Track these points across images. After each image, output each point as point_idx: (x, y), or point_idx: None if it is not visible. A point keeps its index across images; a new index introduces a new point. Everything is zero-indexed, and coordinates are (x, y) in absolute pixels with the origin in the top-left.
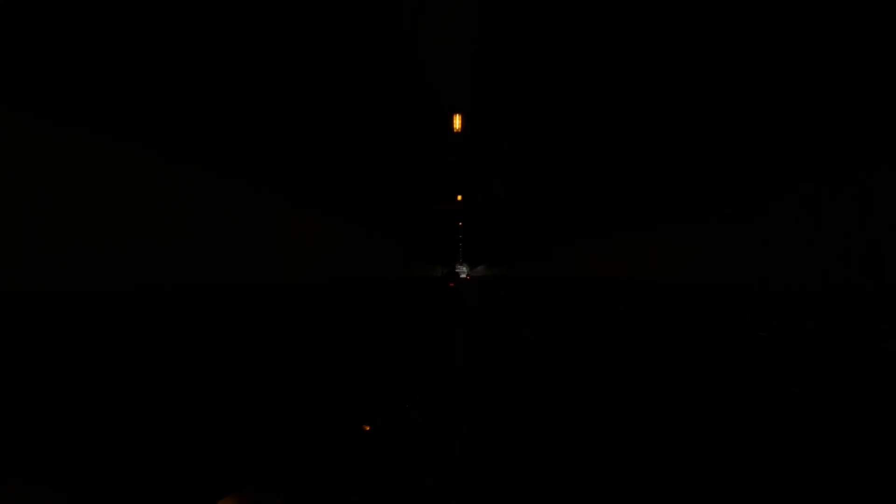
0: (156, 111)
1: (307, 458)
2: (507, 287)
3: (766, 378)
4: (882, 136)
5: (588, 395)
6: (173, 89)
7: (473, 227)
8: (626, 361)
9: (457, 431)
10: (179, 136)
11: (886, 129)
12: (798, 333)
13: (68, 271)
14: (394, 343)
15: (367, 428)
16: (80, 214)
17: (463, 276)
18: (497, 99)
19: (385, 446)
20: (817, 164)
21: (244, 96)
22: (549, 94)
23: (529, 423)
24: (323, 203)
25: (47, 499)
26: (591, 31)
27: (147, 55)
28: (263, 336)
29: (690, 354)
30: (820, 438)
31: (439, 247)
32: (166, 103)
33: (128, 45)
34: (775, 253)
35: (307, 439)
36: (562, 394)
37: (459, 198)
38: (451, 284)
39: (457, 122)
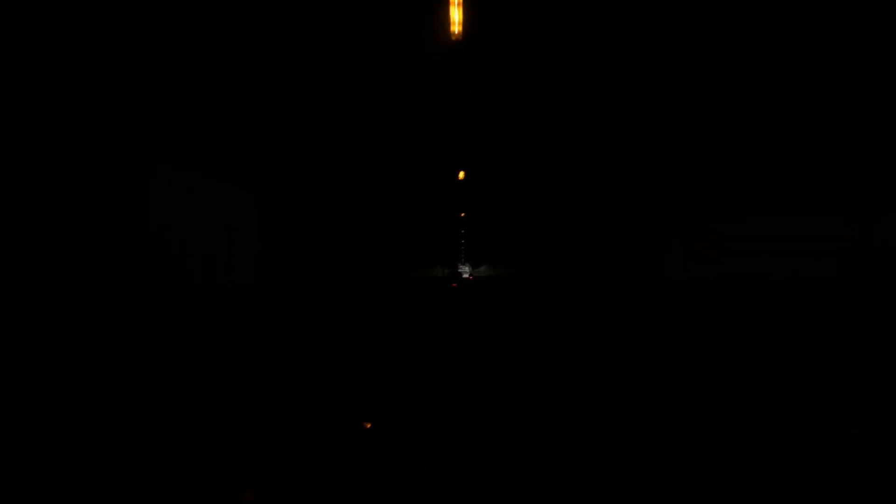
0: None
1: (307, 458)
2: (508, 287)
3: (766, 378)
4: (883, 135)
5: (588, 394)
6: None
7: (476, 226)
8: (626, 361)
9: (457, 431)
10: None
11: (887, 129)
12: (798, 333)
13: (70, 269)
14: (394, 344)
15: (368, 425)
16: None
17: (465, 276)
18: (497, 100)
19: (385, 446)
20: (817, 163)
21: (260, 103)
22: (548, 95)
23: (529, 423)
24: (320, 203)
25: (50, 499)
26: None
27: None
28: (263, 337)
29: (690, 354)
30: (820, 438)
31: (441, 247)
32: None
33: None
34: (775, 253)
35: (307, 440)
36: (562, 394)
37: (462, 214)
38: (454, 285)
39: (460, 175)
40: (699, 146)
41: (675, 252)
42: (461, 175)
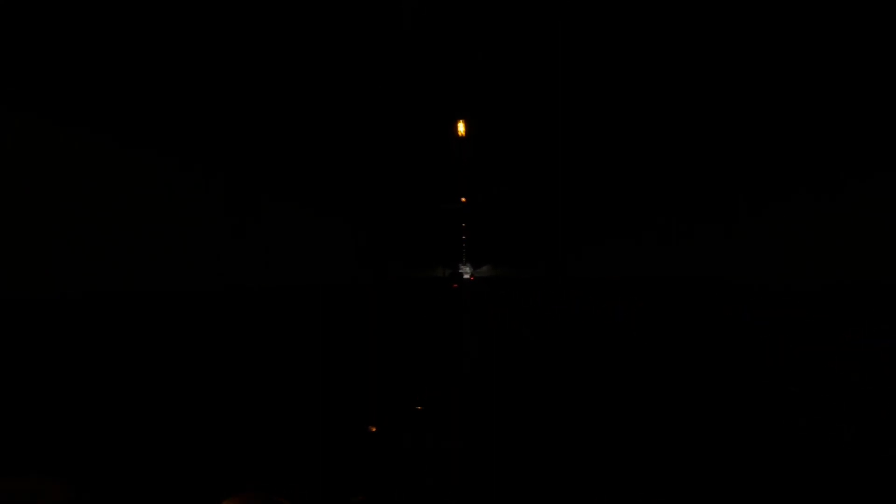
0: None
1: (308, 458)
2: (509, 287)
3: (766, 378)
4: (880, 142)
5: (588, 394)
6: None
7: (477, 226)
8: (626, 361)
9: (457, 431)
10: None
11: (884, 136)
12: (798, 333)
13: (75, 274)
14: (395, 343)
15: (374, 429)
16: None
17: (466, 276)
18: (501, 103)
19: (386, 446)
20: (818, 168)
21: (263, 108)
22: (548, 96)
23: (529, 423)
24: (315, 202)
25: (56, 492)
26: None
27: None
28: (264, 337)
29: (690, 354)
30: (820, 439)
31: (442, 247)
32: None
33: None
34: (775, 253)
35: (308, 440)
36: (562, 394)
37: (464, 199)
38: (455, 286)
39: (461, 127)
40: (700, 146)
41: (675, 252)
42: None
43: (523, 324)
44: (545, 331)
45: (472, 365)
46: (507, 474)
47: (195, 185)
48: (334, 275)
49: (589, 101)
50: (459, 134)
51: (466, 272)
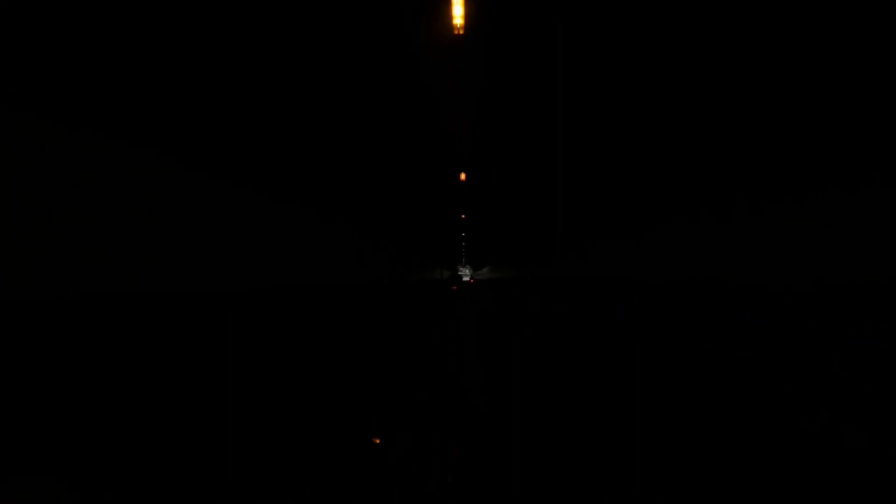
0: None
1: (308, 459)
2: (510, 287)
3: (766, 378)
4: (880, 141)
5: (588, 394)
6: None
7: (478, 227)
8: (626, 361)
9: (457, 431)
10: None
11: (885, 134)
12: (798, 333)
13: (69, 270)
14: (395, 343)
15: (378, 441)
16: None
17: (466, 279)
18: (503, 104)
19: (385, 447)
20: (819, 167)
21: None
22: (548, 95)
23: (529, 423)
24: (315, 203)
25: (50, 495)
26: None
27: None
28: (264, 337)
29: (690, 354)
30: (819, 439)
31: (441, 248)
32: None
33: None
34: (775, 253)
35: (308, 440)
36: (562, 394)
37: (463, 175)
38: (454, 287)
39: (462, 176)
40: (700, 148)
41: (674, 253)
42: (462, 177)
43: (523, 324)
44: (545, 331)
45: (471, 365)
46: (507, 474)
47: (196, 184)
48: (334, 275)
49: (588, 102)
50: (461, 179)
51: (466, 274)
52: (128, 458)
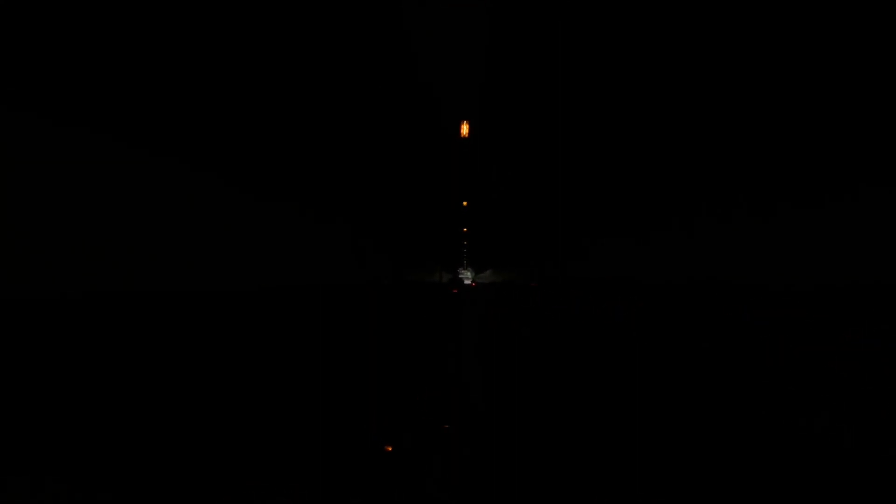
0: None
1: (307, 459)
2: (511, 288)
3: (766, 378)
4: (881, 142)
5: (588, 394)
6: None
7: (479, 229)
8: (626, 361)
9: (457, 432)
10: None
11: (885, 135)
12: (798, 333)
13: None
14: (395, 343)
15: (389, 448)
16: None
17: (467, 282)
18: (503, 105)
19: (385, 447)
20: (819, 167)
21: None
22: (548, 96)
23: (529, 423)
24: (315, 203)
25: (50, 495)
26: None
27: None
28: (264, 337)
29: (690, 354)
30: (819, 439)
31: (442, 251)
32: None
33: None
34: (775, 253)
35: (307, 441)
36: (562, 394)
37: (465, 203)
38: (455, 291)
39: (464, 128)
40: (700, 148)
41: (674, 253)
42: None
43: (523, 324)
44: (545, 331)
45: (471, 365)
46: (507, 475)
47: (196, 185)
48: (334, 275)
49: (588, 102)
50: (462, 135)
51: (468, 277)
52: (128, 459)
